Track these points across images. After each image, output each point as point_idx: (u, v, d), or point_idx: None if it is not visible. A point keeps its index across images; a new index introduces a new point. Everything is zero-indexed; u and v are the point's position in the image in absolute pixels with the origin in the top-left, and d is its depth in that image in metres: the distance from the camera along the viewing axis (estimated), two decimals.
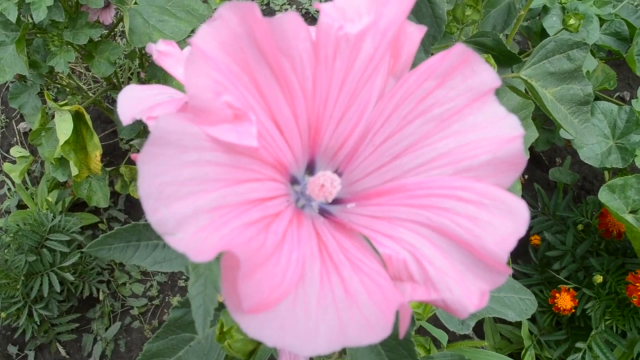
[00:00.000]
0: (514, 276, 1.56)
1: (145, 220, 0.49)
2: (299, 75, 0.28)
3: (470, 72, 0.29)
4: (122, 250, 0.47)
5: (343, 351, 0.49)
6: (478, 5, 0.85)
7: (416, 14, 0.64)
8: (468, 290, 0.27)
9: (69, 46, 1.40)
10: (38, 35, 1.45)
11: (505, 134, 0.28)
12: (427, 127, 0.30)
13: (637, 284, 1.26)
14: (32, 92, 1.54)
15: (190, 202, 0.23)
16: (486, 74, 0.28)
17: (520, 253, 1.66)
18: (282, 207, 0.28)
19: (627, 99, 2.00)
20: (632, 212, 1.33)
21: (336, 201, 0.33)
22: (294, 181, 0.32)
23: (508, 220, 0.27)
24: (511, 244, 0.27)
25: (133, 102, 0.33)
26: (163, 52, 0.36)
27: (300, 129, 0.30)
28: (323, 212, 0.32)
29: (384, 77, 0.30)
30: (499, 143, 0.28)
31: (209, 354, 0.51)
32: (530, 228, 1.63)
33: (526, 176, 1.84)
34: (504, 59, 0.95)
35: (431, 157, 0.30)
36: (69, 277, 1.52)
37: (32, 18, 1.26)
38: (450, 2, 1.36)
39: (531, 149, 1.74)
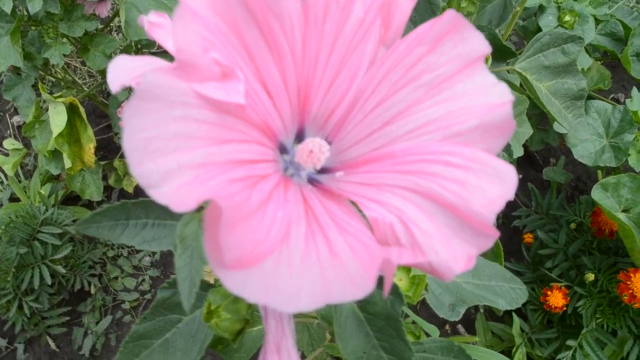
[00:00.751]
0: None
1: (135, 199, 0.49)
2: (288, 37, 0.28)
3: (461, 39, 0.28)
4: (111, 228, 0.47)
5: (332, 334, 0.49)
6: None
7: None
8: (454, 253, 0.27)
9: (64, 39, 1.40)
10: (33, 27, 1.45)
11: (495, 101, 0.28)
12: (417, 93, 0.30)
13: (628, 283, 1.27)
14: (27, 84, 1.54)
15: (176, 157, 0.23)
16: (476, 40, 0.28)
17: (513, 251, 1.66)
18: (270, 171, 0.28)
19: (622, 100, 2.01)
20: (625, 210, 1.33)
21: (325, 170, 0.32)
22: (283, 150, 0.32)
23: (496, 184, 0.27)
24: (499, 206, 0.27)
25: (124, 70, 0.33)
26: (155, 23, 0.35)
27: (290, 93, 0.30)
28: (312, 181, 0.32)
29: (375, 44, 0.30)
30: (487, 108, 0.28)
31: (197, 335, 0.51)
32: (523, 226, 1.63)
33: (520, 175, 1.84)
34: (499, 54, 0.95)
35: (420, 123, 0.30)
36: (61, 270, 1.51)
37: (27, 10, 1.26)
38: None
39: (526, 149, 1.74)
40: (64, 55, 1.37)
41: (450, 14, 0.28)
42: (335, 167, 0.33)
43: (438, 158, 0.28)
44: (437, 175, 0.28)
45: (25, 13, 1.36)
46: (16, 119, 2.03)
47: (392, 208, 0.28)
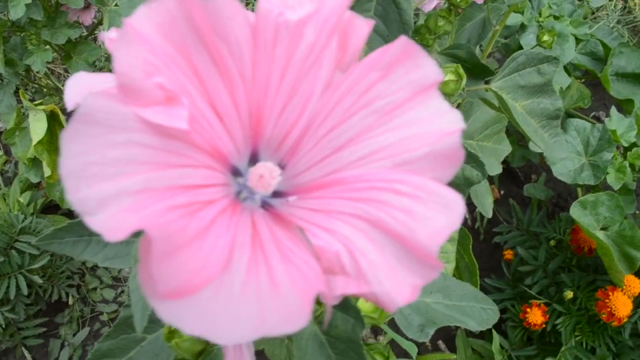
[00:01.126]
0: (487, 290, 1.56)
1: None
2: (237, 61, 0.27)
3: (413, 65, 0.28)
4: (73, 244, 0.46)
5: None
6: (451, 16, 0.86)
7: (384, 19, 0.64)
8: (399, 284, 0.27)
9: (47, 46, 1.39)
10: (16, 33, 1.44)
11: (446, 128, 0.28)
12: (368, 120, 0.30)
13: (606, 301, 1.27)
14: (8, 90, 1.53)
15: (115, 183, 0.23)
16: (429, 67, 0.28)
17: (494, 267, 1.66)
18: (217, 196, 0.28)
19: (603, 118, 2.03)
20: (603, 228, 1.34)
21: (279, 194, 0.32)
22: (237, 173, 0.32)
23: (443, 213, 0.27)
24: (444, 237, 0.27)
25: (80, 88, 0.33)
26: (115, 39, 0.35)
27: (241, 117, 0.29)
28: (265, 204, 0.32)
29: (330, 68, 0.30)
30: (437, 136, 0.28)
31: (160, 354, 0.50)
32: (504, 243, 1.64)
33: (502, 191, 1.85)
34: (477, 72, 0.96)
35: (372, 150, 0.30)
36: (38, 280, 1.49)
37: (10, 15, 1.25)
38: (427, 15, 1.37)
39: (507, 165, 1.75)
40: (47, 62, 1.36)
41: (402, 41, 0.28)
42: (289, 191, 0.32)
43: (387, 186, 0.28)
44: (386, 204, 0.28)
45: (8, 19, 1.35)
46: None
47: (340, 236, 0.28)
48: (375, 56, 0.29)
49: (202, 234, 0.25)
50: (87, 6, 1.53)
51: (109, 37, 0.35)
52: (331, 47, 0.29)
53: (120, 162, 0.23)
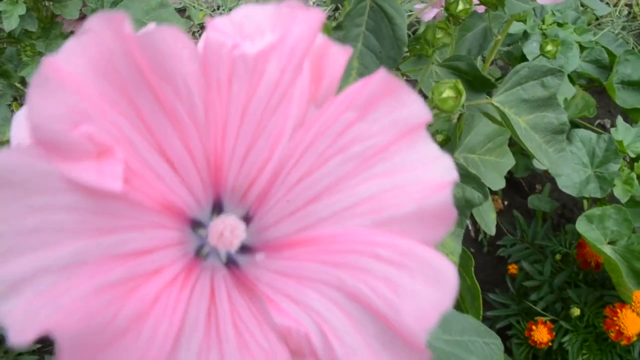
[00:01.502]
0: (491, 305, 1.52)
1: None
2: (186, 104, 0.23)
3: (397, 103, 0.24)
4: None
5: None
6: (449, 28, 0.82)
7: (376, 34, 0.60)
8: None
9: (42, 57, 1.36)
10: (11, 44, 1.41)
11: (437, 179, 0.24)
12: (346, 166, 0.25)
13: (614, 319, 1.22)
14: (3, 102, 1.50)
15: (33, 258, 0.19)
16: (415, 106, 0.24)
17: (498, 281, 1.62)
18: (167, 262, 0.23)
19: (608, 126, 1.99)
20: (611, 243, 1.30)
21: (246, 249, 0.28)
22: (197, 224, 0.27)
23: (433, 288, 0.22)
24: (433, 320, 0.22)
25: (23, 125, 0.28)
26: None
27: (198, 164, 0.25)
28: (230, 262, 0.27)
29: (301, 104, 0.26)
30: (428, 190, 0.24)
31: None
32: (508, 257, 1.59)
33: (505, 202, 1.81)
34: (478, 84, 0.92)
35: (350, 203, 0.25)
36: None
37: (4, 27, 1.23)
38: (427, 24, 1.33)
39: (510, 175, 1.71)
40: None
41: (381, 75, 0.23)
42: (257, 247, 0.28)
43: (368, 249, 0.24)
44: (366, 272, 0.23)
45: (2, 30, 1.33)
46: None
47: (312, 312, 0.24)
48: (352, 91, 0.24)
49: (139, 321, 0.20)
50: (83, 17, 1.50)
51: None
52: (301, 81, 0.25)
53: (41, 232, 0.19)
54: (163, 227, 0.24)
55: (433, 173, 0.24)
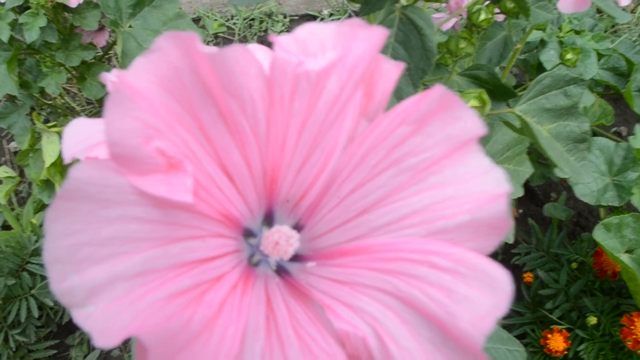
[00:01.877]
0: (507, 315, 1.51)
1: None
2: (250, 119, 0.24)
3: (451, 118, 0.25)
4: None
5: None
6: (472, 38, 0.82)
7: (405, 46, 0.61)
8: None
9: (61, 67, 1.38)
10: (31, 55, 1.43)
11: (489, 191, 0.24)
12: (399, 178, 0.26)
13: (631, 327, 1.22)
14: (22, 112, 1.52)
15: (109, 266, 0.19)
16: (470, 121, 0.25)
17: (513, 290, 1.61)
18: (228, 268, 0.24)
19: (624, 134, 1.98)
20: (628, 252, 1.29)
21: (296, 257, 0.28)
22: (249, 233, 0.28)
23: (488, 294, 0.23)
24: (489, 324, 0.23)
25: (79, 137, 0.29)
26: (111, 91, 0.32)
27: (255, 177, 0.26)
28: (280, 269, 0.28)
29: (354, 118, 0.26)
30: (480, 201, 0.24)
31: None
32: (523, 265, 1.59)
33: (520, 210, 1.80)
34: (499, 93, 0.92)
35: (403, 214, 0.26)
36: (49, 302, 1.47)
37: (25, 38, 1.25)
38: (446, 33, 1.34)
39: (526, 183, 1.71)
40: (62, 82, 1.36)
41: (439, 90, 0.24)
42: (307, 255, 0.29)
43: (422, 258, 0.24)
44: (421, 279, 0.24)
45: (23, 41, 1.35)
46: (13, 145, 2.01)
47: (367, 316, 0.25)
48: (407, 106, 0.25)
49: (210, 325, 0.21)
50: (101, 28, 1.52)
51: (109, 79, 0.32)
52: (356, 98, 0.26)
53: (115, 241, 0.20)
54: (222, 235, 0.25)
55: (485, 185, 0.25)
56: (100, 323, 0.19)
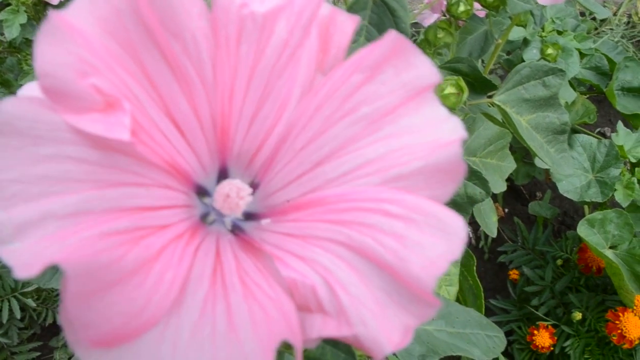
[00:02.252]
0: (492, 311, 1.51)
1: None
2: (194, 61, 0.23)
3: (405, 65, 0.24)
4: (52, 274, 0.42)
5: None
6: (451, 28, 0.82)
7: (378, 28, 0.60)
8: (388, 325, 0.22)
9: None
10: (12, 53, 1.42)
11: (444, 138, 0.24)
12: (354, 129, 0.25)
13: (617, 322, 1.22)
14: None
15: (40, 204, 0.19)
16: (423, 67, 0.24)
17: (499, 288, 1.61)
18: (174, 220, 0.23)
19: (608, 134, 1.99)
20: (612, 247, 1.29)
21: (251, 217, 0.28)
22: (203, 192, 0.27)
23: (440, 239, 0.22)
24: (441, 268, 0.22)
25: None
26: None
27: (204, 127, 0.25)
28: (235, 229, 0.27)
29: (309, 70, 0.26)
30: (433, 147, 0.24)
31: None
32: (509, 262, 1.59)
33: (506, 209, 1.81)
34: (479, 86, 0.92)
35: (357, 164, 0.25)
36: (31, 303, 1.45)
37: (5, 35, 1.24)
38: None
39: (511, 182, 1.71)
40: None
41: (391, 36, 0.24)
42: (262, 213, 0.28)
43: (375, 206, 0.24)
44: (373, 227, 0.23)
45: (4, 39, 1.33)
46: None
47: (318, 266, 0.24)
48: (361, 55, 0.24)
49: (145, 266, 0.20)
50: None
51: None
52: (309, 45, 0.25)
53: (48, 180, 0.19)
54: (169, 187, 0.24)
55: (441, 132, 0.24)
56: (24, 257, 0.18)
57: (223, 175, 0.27)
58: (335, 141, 0.25)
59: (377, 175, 0.24)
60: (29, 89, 0.30)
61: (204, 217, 0.27)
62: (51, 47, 0.19)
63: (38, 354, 1.54)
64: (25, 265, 0.17)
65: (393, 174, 0.24)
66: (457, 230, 0.22)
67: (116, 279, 0.19)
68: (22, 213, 0.18)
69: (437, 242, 0.22)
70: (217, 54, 0.24)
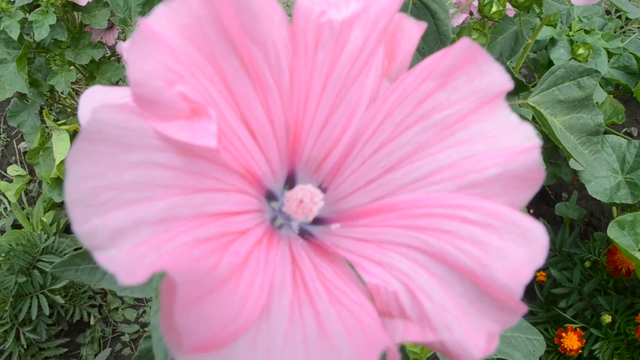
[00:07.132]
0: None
1: None
2: (273, 68, 0.23)
3: (477, 72, 0.24)
4: (91, 272, 0.43)
5: None
6: (484, 29, 0.82)
7: None
8: (473, 331, 0.22)
9: (70, 66, 1.39)
10: (40, 54, 1.44)
11: (519, 145, 0.24)
12: (425, 135, 0.25)
13: None
14: (32, 110, 1.53)
15: (132, 211, 0.19)
16: (496, 74, 0.24)
17: (526, 290, 1.59)
18: (252, 225, 0.24)
19: (635, 134, 1.97)
20: None
21: (319, 221, 0.28)
22: (271, 197, 0.28)
23: (522, 246, 0.22)
24: (526, 275, 0.22)
25: (95, 103, 0.29)
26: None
27: (277, 133, 0.25)
28: (304, 233, 0.28)
29: (377, 77, 0.26)
30: (511, 154, 0.24)
31: None
32: None
33: (531, 210, 1.79)
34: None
35: (430, 170, 0.25)
36: (59, 300, 1.47)
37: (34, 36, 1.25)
38: (453, 31, 1.33)
39: None
40: (71, 82, 1.36)
41: (464, 43, 0.24)
42: (331, 218, 0.28)
43: (452, 212, 0.24)
44: (452, 234, 0.23)
45: (33, 40, 1.35)
46: (23, 145, 2.01)
47: (397, 272, 0.24)
48: (431, 62, 0.25)
49: (237, 271, 0.21)
50: (111, 26, 1.52)
51: (125, 47, 0.32)
52: (379, 53, 0.25)
53: (137, 187, 0.19)
54: (246, 193, 0.24)
55: (515, 139, 0.24)
56: (125, 264, 0.18)
57: (290, 180, 0.28)
58: (407, 147, 0.25)
59: (452, 182, 0.25)
60: (92, 93, 0.31)
61: (272, 222, 0.27)
62: (141, 57, 0.20)
63: (65, 350, 1.56)
64: (129, 273, 0.18)
65: (469, 181, 0.24)
66: (538, 236, 0.22)
67: (213, 286, 0.19)
68: (115, 219, 0.19)
69: (519, 249, 0.22)
70: (294, 61, 0.24)
